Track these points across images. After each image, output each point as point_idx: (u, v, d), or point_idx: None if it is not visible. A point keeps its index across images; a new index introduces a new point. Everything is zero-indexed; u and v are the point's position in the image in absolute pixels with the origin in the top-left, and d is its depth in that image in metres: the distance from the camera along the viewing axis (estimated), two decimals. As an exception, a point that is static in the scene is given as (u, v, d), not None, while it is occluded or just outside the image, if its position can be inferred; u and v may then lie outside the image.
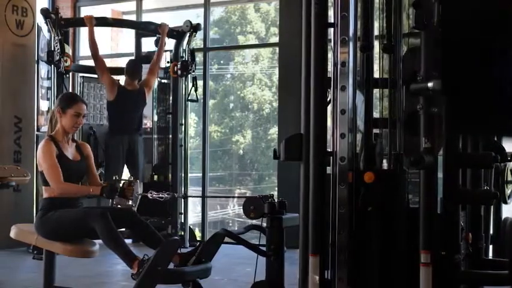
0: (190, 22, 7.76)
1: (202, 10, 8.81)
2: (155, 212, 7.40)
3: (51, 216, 4.14)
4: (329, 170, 3.29)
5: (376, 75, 3.48)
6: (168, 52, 7.89)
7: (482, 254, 3.73)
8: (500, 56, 3.22)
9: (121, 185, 4.21)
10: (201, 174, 8.67)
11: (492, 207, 3.95)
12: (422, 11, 3.02)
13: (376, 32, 3.47)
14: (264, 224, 3.68)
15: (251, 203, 3.62)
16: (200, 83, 8.26)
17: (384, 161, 3.38)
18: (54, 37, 7.01)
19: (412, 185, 3.28)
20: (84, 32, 8.39)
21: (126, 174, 7.41)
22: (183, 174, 7.82)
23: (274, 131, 10.72)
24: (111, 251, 3.97)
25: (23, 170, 3.98)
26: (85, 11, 9.30)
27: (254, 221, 3.92)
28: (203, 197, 8.66)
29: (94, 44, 7.20)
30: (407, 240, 3.18)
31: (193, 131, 10.75)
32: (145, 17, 9.27)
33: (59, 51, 6.97)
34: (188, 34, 7.77)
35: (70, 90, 7.31)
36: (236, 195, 12.06)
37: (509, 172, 3.93)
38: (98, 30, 7.39)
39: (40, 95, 7.61)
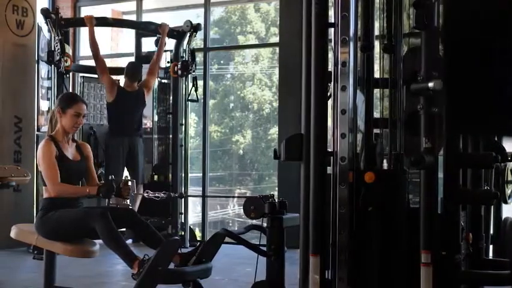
0: (191, 22, 7.77)
1: (202, 10, 8.81)
2: (155, 212, 7.41)
3: (51, 216, 4.14)
4: (329, 170, 3.29)
5: (377, 75, 3.48)
6: (169, 52, 7.89)
7: (482, 254, 3.73)
8: (501, 56, 3.22)
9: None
10: (201, 174, 8.67)
11: (492, 207, 3.96)
12: (422, 11, 3.02)
13: (376, 32, 3.47)
14: (265, 224, 3.68)
15: (251, 203, 3.62)
16: (200, 83, 8.26)
17: (385, 161, 3.38)
18: (54, 37, 7.01)
19: (413, 185, 3.28)
20: (84, 32, 8.39)
21: (126, 174, 7.42)
22: (183, 174, 7.82)
23: (274, 131, 10.72)
24: (112, 251, 3.97)
25: (23, 170, 3.98)
26: (85, 11, 9.30)
27: (254, 221, 3.92)
28: (200, 196, 8.65)
29: (95, 44, 7.20)
30: (407, 240, 3.18)
31: (193, 131, 10.75)
32: (146, 17, 9.27)
33: (59, 51, 6.97)
34: (188, 34, 7.77)
35: (70, 90, 7.32)
36: (236, 195, 12.06)
37: (509, 172, 3.93)
38: (98, 30, 7.39)
39: (40, 95, 7.62)
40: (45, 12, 7.10)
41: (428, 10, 3.02)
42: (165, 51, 7.83)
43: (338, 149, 3.23)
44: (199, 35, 8.25)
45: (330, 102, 3.30)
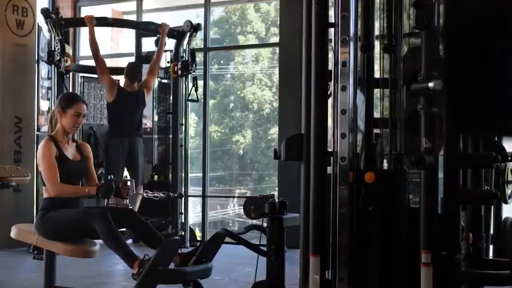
0: (191, 22, 7.77)
1: (202, 10, 8.81)
2: (156, 212, 7.41)
3: (51, 216, 4.14)
4: (330, 170, 3.29)
5: (377, 75, 3.48)
6: (169, 52, 7.89)
7: (482, 254, 3.73)
8: (501, 56, 3.22)
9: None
10: (201, 174, 8.67)
11: (492, 207, 3.96)
12: (422, 11, 3.02)
13: (376, 32, 3.47)
14: (265, 224, 3.68)
15: (252, 203, 3.62)
16: (200, 83, 8.26)
17: (385, 161, 3.38)
18: (54, 37, 7.01)
19: (413, 185, 3.28)
20: (84, 32, 8.39)
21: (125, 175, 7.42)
22: (183, 174, 7.82)
23: (274, 131, 10.72)
24: (112, 251, 3.97)
25: (23, 170, 3.98)
26: (85, 11, 9.30)
27: (254, 221, 3.92)
28: (200, 196, 8.65)
29: (95, 44, 7.20)
30: (408, 240, 3.18)
31: (193, 131, 10.75)
32: (146, 17, 9.27)
33: (59, 51, 6.97)
34: (188, 34, 7.77)
35: (70, 90, 7.32)
36: (236, 195, 12.06)
37: (509, 172, 3.93)
38: (98, 30, 7.39)
39: (40, 95, 7.62)
40: (45, 12, 7.10)
41: (428, 10, 3.02)
42: (165, 51, 7.83)
43: (338, 149, 3.23)
44: (200, 35, 8.25)
45: (330, 102, 3.30)
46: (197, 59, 8.01)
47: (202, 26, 8.15)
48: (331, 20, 3.29)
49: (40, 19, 7.42)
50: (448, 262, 3.13)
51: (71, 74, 7.55)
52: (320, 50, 3.25)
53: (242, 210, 3.67)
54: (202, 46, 8.84)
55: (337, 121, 3.23)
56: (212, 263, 3.98)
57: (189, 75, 7.77)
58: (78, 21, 8.08)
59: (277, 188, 8.10)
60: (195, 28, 7.78)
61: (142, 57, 8.13)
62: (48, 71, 7.36)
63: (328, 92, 3.29)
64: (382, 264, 3.20)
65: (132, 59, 8.22)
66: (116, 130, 7.38)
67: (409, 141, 3.30)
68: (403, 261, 3.18)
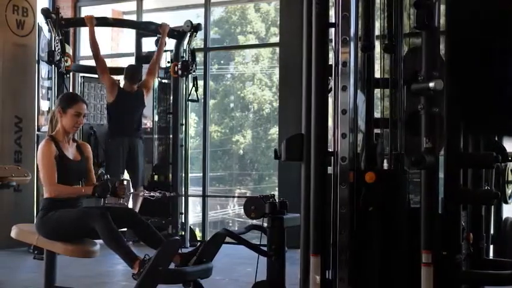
0: (191, 22, 7.77)
1: (202, 10, 8.81)
2: (156, 212, 7.41)
3: (51, 216, 4.14)
4: (330, 170, 3.29)
5: (377, 75, 3.48)
6: (169, 52, 7.89)
7: (483, 254, 3.73)
8: (501, 56, 3.23)
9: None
10: (201, 174, 8.67)
11: (493, 207, 3.96)
12: (423, 11, 3.02)
13: (377, 32, 3.47)
14: (265, 224, 3.68)
15: (252, 203, 3.62)
16: (200, 83, 8.26)
17: (385, 161, 3.38)
18: (54, 37, 7.01)
19: (413, 185, 3.28)
20: (84, 32, 8.39)
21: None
22: (183, 174, 7.82)
23: (274, 131, 10.72)
24: (112, 251, 3.97)
25: (23, 170, 3.99)
26: (85, 11, 9.30)
27: (255, 221, 3.92)
28: (200, 196, 8.65)
29: (95, 44, 7.20)
30: (408, 240, 3.18)
31: (193, 131, 10.75)
32: (146, 17, 9.27)
33: (59, 51, 6.97)
34: (189, 34, 7.77)
35: (70, 90, 7.32)
36: (236, 195, 12.06)
37: (509, 172, 3.93)
38: (98, 30, 7.39)
39: (41, 95, 7.62)
40: (45, 12, 7.10)
41: (428, 10, 3.02)
42: (166, 51, 7.83)
43: (339, 149, 3.22)
44: (200, 35, 8.25)
45: (330, 102, 3.30)
46: (197, 59, 8.01)
47: (203, 26, 8.15)
48: (332, 20, 3.29)
49: (40, 19, 7.42)
50: (449, 262, 3.13)
51: (71, 74, 7.55)
52: (320, 50, 3.25)
53: (242, 210, 3.67)
54: (202, 46, 8.84)
55: (337, 121, 3.22)
56: (212, 263, 3.98)
57: (189, 75, 7.77)
58: (79, 21, 8.08)
59: (277, 188, 8.10)
60: (195, 28, 7.78)
61: (142, 57, 8.13)
62: (49, 71, 7.36)
63: (329, 87, 3.28)
64: (382, 264, 3.20)
65: (132, 59, 8.23)
66: (116, 130, 7.37)
67: (410, 141, 3.30)
68: (404, 261, 3.18)
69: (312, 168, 3.25)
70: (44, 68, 7.49)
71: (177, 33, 7.80)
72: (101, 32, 7.82)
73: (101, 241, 4.07)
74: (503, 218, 4.07)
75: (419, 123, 3.10)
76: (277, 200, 3.63)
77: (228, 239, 3.85)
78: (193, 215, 9.40)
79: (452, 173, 3.18)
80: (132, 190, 4.29)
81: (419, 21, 3.03)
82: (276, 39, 9.73)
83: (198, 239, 8.10)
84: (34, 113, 7.74)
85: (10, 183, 3.90)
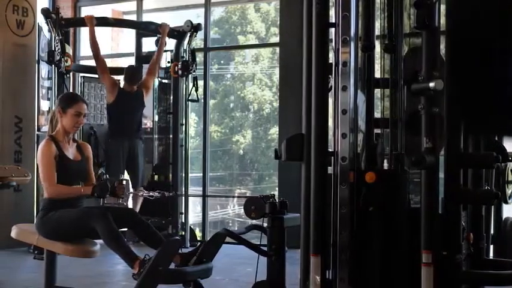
0: (191, 22, 7.77)
1: (202, 10, 8.81)
2: (156, 212, 7.41)
3: (52, 216, 4.14)
4: (330, 170, 3.29)
5: (378, 75, 3.48)
6: (169, 52, 7.89)
7: (483, 254, 3.73)
8: (501, 56, 3.23)
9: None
10: (201, 174, 8.67)
11: (493, 207, 3.95)
12: (423, 11, 3.02)
13: (377, 32, 3.47)
14: (265, 224, 3.68)
15: (252, 203, 3.61)
16: (201, 83, 8.26)
17: (385, 161, 3.38)
18: (54, 37, 7.01)
19: (414, 185, 3.28)
20: (84, 32, 8.39)
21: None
22: (183, 174, 7.82)
23: (274, 131, 10.72)
24: (112, 251, 3.97)
25: (23, 170, 3.99)
26: (85, 11, 9.30)
27: (255, 221, 3.92)
28: (200, 196, 8.65)
29: (95, 44, 7.19)
30: (408, 240, 3.18)
31: (193, 131, 10.75)
32: (146, 17, 9.27)
33: (59, 51, 6.97)
34: (189, 34, 7.77)
35: (70, 90, 7.31)
36: (236, 195, 12.06)
37: (509, 172, 3.93)
38: (98, 30, 7.39)
39: (41, 95, 7.62)
40: (45, 12, 7.10)
41: (429, 10, 3.02)
42: (166, 51, 7.83)
43: (339, 149, 3.22)
44: (200, 35, 8.25)
45: (330, 102, 3.30)
46: (197, 59, 8.01)
47: (203, 26, 8.15)
48: (332, 20, 3.29)
49: (40, 19, 7.42)
50: (449, 262, 3.13)
51: (71, 74, 7.55)
52: (321, 50, 3.24)
53: (242, 210, 3.67)
54: (202, 46, 8.84)
55: (337, 121, 3.22)
56: (212, 263, 3.98)
57: (190, 75, 7.77)
58: (79, 21, 8.08)
59: (277, 188, 8.10)
60: (195, 28, 7.78)
61: (142, 57, 8.13)
62: (49, 71, 7.36)
63: (329, 86, 3.28)
64: (382, 264, 3.20)
65: (133, 59, 8.22)
66: (116, 131, 7.37)
67: (410, 141, 3.30)
68: (404, 261, 3.18)
69: (312, 168, 3.25)
70: (44, 68, 7.49)
71: (177, 33, 7.80)
72: (101, 32, 7.82)
73: (101, 241, 4.07)
74: (503, 218, 4.07)
75: (419, 123, 3.10)
76: (277, 200, 3.63)
77: (228, 239, 3.85)
78: (194, 215, 9.40)
79: (453, 173, 3.18)
80: (131, 190, 4.28)
81: (420, 21, 3.03)
82: (276, 39, 9.73)
83: (198, 239, 8.10)
84: (34, 113, 7.74)
85: (10, 183, 3.91)
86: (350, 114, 3.22)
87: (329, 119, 3.29)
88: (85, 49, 9.02)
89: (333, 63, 3.27)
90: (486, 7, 3.23)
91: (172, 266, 3.93)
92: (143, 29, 8.19)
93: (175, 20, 8.40)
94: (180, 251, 3.99)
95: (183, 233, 7.66)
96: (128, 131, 7.35)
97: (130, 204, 6.67)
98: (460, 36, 3.21)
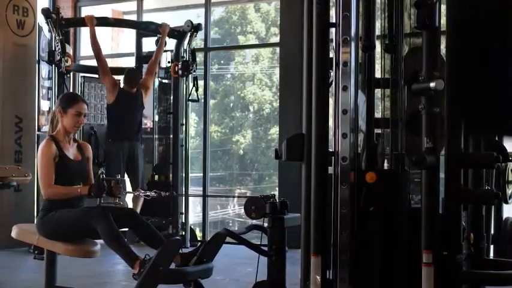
0: (191, 22, 7.77)
1: (202, 10, 8.81)
2: (156, 212, 7.41)
3: (52, 216, 4.14)
4: (331, 170, 3.29)
5: (378, 75, 3.48)
6: (169, 52, 7.90)
7: (483, 254, 3.73)
8: (501, 56, 3.23)
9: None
10: (201, 174, 8.67)
11: (493, 207, 3.96)
12: (423, 11, 3.02)
13: (377, 32, 3.47)
14: (265, 224, 3.68)
15: (253, 203, 3.61)
16: (201, 83, 8.26)
17: (386, 161, 3.38)
18: (55, 37, 7.02)
19: (414, 185, 3.28)
20: (84, 32, 8.39)
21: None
22: (183, 174, 7.82)
23: (274, 131, 10.72)
24: (113, 251, 3.97)
25: (24, 170, 3.99)
26: (86, 11, 9.30)
27: (255, 221, 3.92)
28: (200, 196, 8.65)
29: (96, 44, 7.19)
30: (409, 240, 3.18)
31: (193, 131, 10.75)
32: (146, 17, 9.27)
33: (59, 51, 6.97)
34: (189, 34, 7.77)
35: (71, 90, 7.32)
36: (236, 195, 12.06)
37: (510, 172, 3.93)
38: (98, 30, 7.39)
39: (41, 95, 7.61)
40: (45, 12, 7.10)
41: (429, 10, 3.02)
42: (166, 51, 7.84)
43: (339, 149, 3.22)
44: (200, 35, 8.26)
45: (331, 102, 3.30)
46: (197, 59, 8.02)
47: (203, 26, 8.16)
48: (332, 19, 3.28)
49: (41, 19, 7.42)
50: (449, 262, 3.13)
51: (71, 74, 7.57)
52: (321, 50, 3.24)
53: (242, 210, 3.67)
54: (202, 46, 8.85)
55: (338, 121, 3.22)
56: (213, 263, 3.98)
57: (190, 75, 7.78)
58: (79, 21, 8.08)
59: (277, 188, 8.10)
60: (195, 28, 7.79)
61: (142, 57, 8.13)
62: (49, 71, 7.36)
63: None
64: (383, 264, 3.20)
65: (133, 59, 8.22)
66: (116, 132, 7.36)
67: (410, 141, 3.30)
68: (404, 261, 3.18)
69: (312, 168, 3.24)
70: (44, 68, 7.49)
71: (178, 33, 7.81)
72: (101, 32, 7.82)
73: (101, 241, 4.07)
74: (504, 218, 4.07)
75: (420, 123, 3.10)
76: (277, 200, 3.63)
77: (228, 239, 3.85)
78: (194, 215, 9.40)
79: (453, 173, 3.18)
80: (128, 190, 4.28)
81: (420, 21, 3.03)
82: (276, 39, 9.73)
83: (199, 239, 8.10)
84: (34, 113, 7.74)
85: (10, 183, 3.91)
86: (350, 114, 3.22)
87: (329, 119, 3.29)
88: (85, 49, 9.03)
89: (333, 58, 3.27)
90: (486, 7, 3.23)
91: (172, 266, 3.93)
92: (143, 29, 8.19)
93: (175, 20, 8.40)
94: (180, 251, 3.99)
95: (184, 233, 7.66)
96: (128, 132, 7.35)
97: (130, 205, 6.67)
98: (461, 36, 3.20)
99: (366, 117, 3.38)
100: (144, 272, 3.75)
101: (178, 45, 7.81)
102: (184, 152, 7.85)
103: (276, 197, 3.71)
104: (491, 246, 3.97)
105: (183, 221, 7.74)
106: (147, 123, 8.11)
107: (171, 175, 7.85)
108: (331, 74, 3.28)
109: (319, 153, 3.24)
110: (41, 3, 7.96)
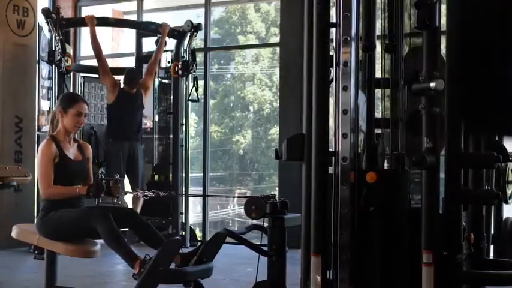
0: (191, 22, 7.77)
1: (202, 10, 8.81)
2: (156, 212, 7.41)
3: (52, 216, 4.14)
4: (331, 170, 3.29)
5: (378, 75, 3.48)
6: (169, 52, 7.90)
7: (484, 254, 3.73)
8: (502, 56, 3.23)
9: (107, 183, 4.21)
10: (201, 174, 8.67)
11: (493, 207, 3.96)
12: (424, 11, 3.02)
13: (378, 32, 3.47)
14: (266, 224, 3.68)
15: (253, 203, 3.61)
16: (201, 83, 8.26)
17: (386, 161, 3.38)
18: (55, 37, 7.02)
19: (414, 184, 3.28)
20: (84, 32, 8.39)
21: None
22: (183, 174, 7.82)
23: (274, 131, 10.73)
24: (113, 251, 3.97)
25: (24, 170, 3.99)
26: (86, 11, 9.31)
27: (255, 221, 3.92)
28: (200, 195, 8.65)
29: (97, 45, 7.19)
30: (409, 240, 3.18)
31: (193, 131, 10.75)
32: (146, 17, 9.27)
33: (59, 51, 6.97)
34: (189, 34, 7.77)
35: (71, 90, 7.32)
36: (236, 195, 12.06)
37: (510, 172, 3.93)
38: (98, 30, 7.39)
39: (41, 95, 7.62)
40: (46, 12, 7.10)
41: (429, 10, 3.02)
42: (166, 51, 7.84)
43: (339, 149, 3.22)
44: (200, 35, 8.26)
45: (331, 102, 3.30)
46: (197, 59, 8.02)
47: (203, 26, 8.16)
48: (333, 19, 3.28)
49: (41, 19, 7.42)
50: (450, 262, 3.13)
51: (71, 74, 7.56)
52: (321, 50, 3.24)
53: (242, 210, 3.67)
54: (202, 46, 8.85)
55: (338, 121, 3.22)
56: (213, 263, 3.98)
57: (190, 75, 7.78)
58: (79, 21, 8.08)
59: (277, 188, 8.10)
60: (195, 28, 7.79)
61: (142, 57, 8.13)
62: (49, 71, 7.36)
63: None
64: (383, 264, 3.20)
65: (133, 59, 8.22)
66: (116, 132, 7.36)
67: (411, 141, 3.30)
68: (405, 261, 3.18)
69: (312, 168, 3.24)
70: (45, 68, 7.49)
71: (178, 33, 7.81)
72: (101, 32, 7.82)
73: (101, 241, 4.07)
74: (504, 218, 4.07)
75: (420, 123, 3.10)
76: (277, 200, 3.63)
77: (228, 239, 3.85)
78: (194, 215, 9.40)
79: (453, 173, 3.18)
80: (127, 190, 4.28)
81: (420, 21, 3.03)
82: (276, 39, 9.73)
83: (199, 239, 8.10)
84: (34, 113, 7.74)
85: (11, 183, 3.91)
86: (351, 114, 3.22)
87: (330, 119, 3.29)
88: (85, 49, 9.03)
89: (333, 57, 3.27)
90: (486, 7, 3.23)
91: (172, 266, 3.93)
92: (143, 29, 8.19)
93: (175, 20, 8.40)
94: (180, 251, 3.99)
95: (184, 233, 7.66)
96: (128, 132, 7.35)
97: (130, 205, 6.67)
98: (461, 36, 3.20)
99: (366, 117, 3.38)
100: (144, 272, 3.75)
101: (178, 45, 7.81)
102: (184, 152, 7.85)
103: (276, 197, 3.71)
104: (491, 246, 3.97)
105: (183, 221, 7.74)
106: (147, 123, 8.11)
107: (171, 175, 7.85)
108: (331, 72, 3.28)
109: (319, 153, 3.24)
110: (41, 3, 7.96)
